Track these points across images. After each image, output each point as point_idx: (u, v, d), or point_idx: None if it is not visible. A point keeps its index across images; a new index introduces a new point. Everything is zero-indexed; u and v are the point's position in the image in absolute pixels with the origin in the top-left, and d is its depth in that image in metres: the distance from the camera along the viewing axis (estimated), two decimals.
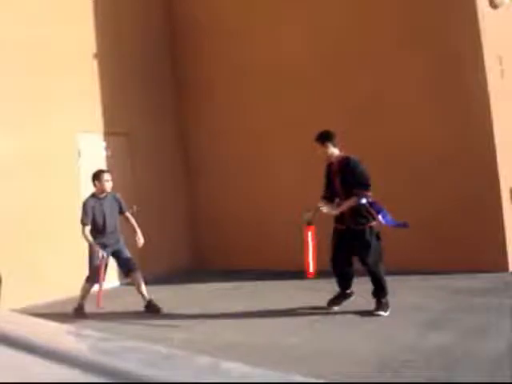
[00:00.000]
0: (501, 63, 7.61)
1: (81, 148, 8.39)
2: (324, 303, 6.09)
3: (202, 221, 9.76)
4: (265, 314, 6.15)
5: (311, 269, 6.00)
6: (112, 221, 6.68)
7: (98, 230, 6.58)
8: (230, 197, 9.30)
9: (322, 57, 8.36)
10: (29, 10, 7.88)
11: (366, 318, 5.58)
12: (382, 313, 5.65)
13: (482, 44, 7.22)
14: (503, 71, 7.63)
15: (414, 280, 7.05)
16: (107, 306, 6.70)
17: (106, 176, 6.65)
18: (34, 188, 7.60)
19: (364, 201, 5.79)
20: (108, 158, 8.84)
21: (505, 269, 7.07)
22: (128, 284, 8.60)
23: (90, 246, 6.52)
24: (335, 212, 5.90)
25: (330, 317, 5.77)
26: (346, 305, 6.10)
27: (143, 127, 9.25)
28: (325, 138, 5.97)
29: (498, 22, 7.60)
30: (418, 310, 5.70)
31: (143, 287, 6.64)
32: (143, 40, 9.54)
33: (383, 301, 5.76)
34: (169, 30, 9.92)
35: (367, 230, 5.75)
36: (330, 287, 6.65)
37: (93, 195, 6.68)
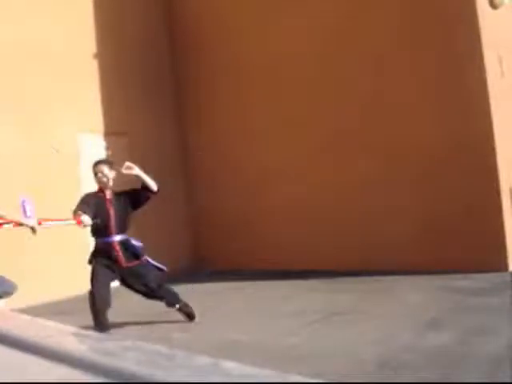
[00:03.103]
0: (501, 63, 7.61)
1: (81, 148, 8.39)
2: (324, 303, 6.09)
3: (202, 221, 9.76)
4: (265, 313, 6.15)
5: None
6: None
7: None
8: (229, 197, 9.30)
9: (322, 57, 8.36)
10: (29, 10, 7.88)
11: (366, 319, 5.58)
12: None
13: (482, 44, 7.22)
14: (503, 71, 7.63)
15: (414, 280, 7.04)
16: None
17: None
18: (34, 188, 7.58)
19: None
20: (108, 157, 8.84)
21: (505, 269, 7.07)
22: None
23: None
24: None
25: (329, 317, 5.76)
26: (345, 305, 6.10)
27: (143, 127, 9.25)
28: (112, 163, 5.97)
29: (498, 21, 7.59)
30: (418, 309, 5.70)
31: None
32: (143, 40, 9.54)
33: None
34: (169, 30, 9.92)
35: None
36: (330, 287, 6.67)
37: None
